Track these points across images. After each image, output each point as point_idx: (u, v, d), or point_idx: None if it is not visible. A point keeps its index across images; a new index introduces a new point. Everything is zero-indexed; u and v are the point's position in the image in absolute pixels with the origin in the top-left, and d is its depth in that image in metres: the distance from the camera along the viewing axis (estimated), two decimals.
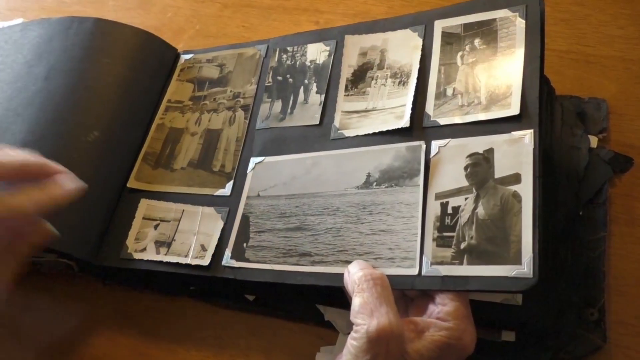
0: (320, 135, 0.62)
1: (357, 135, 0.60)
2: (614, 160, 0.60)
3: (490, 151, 0.52)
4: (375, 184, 0.56)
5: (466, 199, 0.51)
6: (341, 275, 0.52)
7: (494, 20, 0.59)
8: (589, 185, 0.59)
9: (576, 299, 0.53)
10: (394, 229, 0.53)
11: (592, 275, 0.54)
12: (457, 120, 0.55)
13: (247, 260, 0.58)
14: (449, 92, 0.58)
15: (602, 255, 0.55)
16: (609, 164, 0.60)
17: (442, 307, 0.49)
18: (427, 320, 0.49)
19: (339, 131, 0.61)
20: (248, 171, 0.64)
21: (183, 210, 0.65)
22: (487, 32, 0.59)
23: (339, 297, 0.54)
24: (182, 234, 0.63)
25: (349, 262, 0.52)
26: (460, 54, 0.59)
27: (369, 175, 0.57)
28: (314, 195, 0.59)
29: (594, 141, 0.62)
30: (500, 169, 0.51)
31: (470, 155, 0.53)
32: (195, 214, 0.64)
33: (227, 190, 0.64)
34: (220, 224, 0.61)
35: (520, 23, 0.57)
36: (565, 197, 0.58)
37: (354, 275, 0.50)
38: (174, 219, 0.64)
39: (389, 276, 0.50)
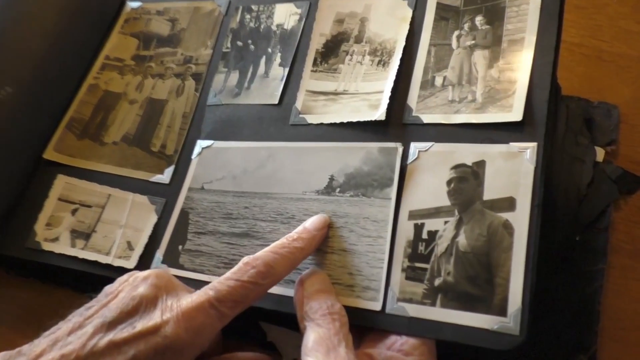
0: (278, 118, 0.50)
1: (322, 124, 0.47)
2: (621, 179, 0.49)
3: (480, 164, 0.41)
4: (338, 190, 0.45)
5: (446, 222, 0.40)
6: (291, 299, 0.42)
7: None
8: (590, 206, 0.48)
9: (565, 341, 0.44)
10: (357, 250, 0.42)
11: (585, 314, 0.45)
12: (444, 119, 0.43)
13: (181, 267, 0.47)
14: (438, 81, 0.46)
15: (598, 291, 0.45)
16: (615, 182, 0.49)
17: (407, 338, 0.40)
18: (387, 355, 0.40)
19: (300, 115, 0.49)
20: (193, 156, 0.52)
21: (109, 195, 0.53)
22: (493, 9, 0.46)
23: (286, 315, 0.45)
24: (106, 226, 0.51)
25: (294, 282, 0.42)
26: (456, 33, 0.47)
27: (332, 179, 0.46)
28: (267, 196, 0.48)
29: (600, 154, 0.50)
30: (491, 190, 0.40)
31: (455, 167, 0.41)
32: (124, 202, 0.52)
33: (165, 176, 0.52)
34: (154, 219, 0.50)
35: (535, 1, 0.44)
36: (562, 217, 0.47)
37: (311, 303, 0.40)
38: (97, 205, 0.52)
39: (346, 308, 0.40)
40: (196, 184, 0.51)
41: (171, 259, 0.48)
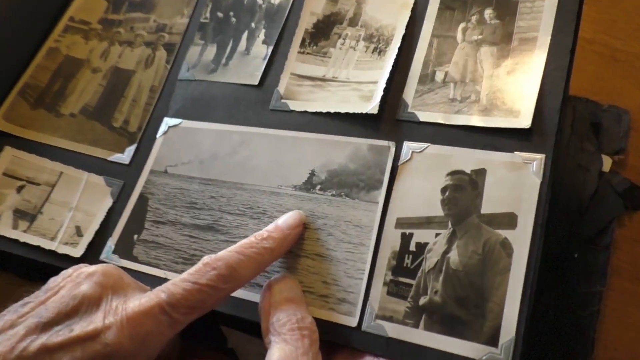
0: (257, 101, 0.44)
1: (306, 112, 0.42)
2: (628, 193, 0.44)
3: (480, 173, 0.36)
4: (319, 187, 0.40)
5: (437, 235, 0.36)
6: (255, 305, 0.37)
7: None
8: (592, 220, 0.44)
9: None
10: (335, 256, 0.37)
11: (579, 341, 0.40)
12: (443, 118, 0.38)
13: (134, 259, 0.41)
14: (439, 76, 0.41)
15: (594, 316, 0.41)
16: (621, 196, 0.44)
17: None
18: None
19: (282, 100, 0.44)
20: (158, 135, 0.46)
21: (61, 173, 0.46)
22: (504, 3, 0.41)
23: (250, 322, 0.40)
24: (54, 207, 0.44)
25: (262, 286, 0.37)
26: (462, 26, 0.42)
27: (312, 174, 0.40)
28: (237, 186, 0.42)
29: (607, 163, 0.46)
30: (490, 202, 0.35)
31: (452, 174, 0.37)
32: (77, 182, 0.46)
33: (126, 156, 0.46)
34: (108, 202, 0.44)
35: None
36: (560, 230, 0.44)
37: (279, 314, 0.35)
38: (46, 183, 0.46)
39: (317, 321, 0.36)
40: (159, 167, 0.45)
41: (124, 249, 0.42)
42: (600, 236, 0.43)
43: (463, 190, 0.36)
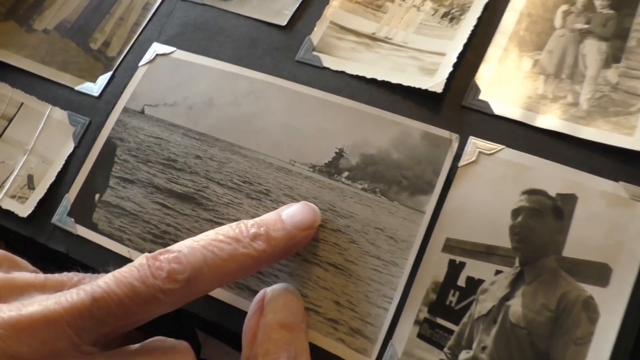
0: (281, 48, 0.33)
1: (343, 73, 0.31)
2: None
3: (568, 200, 0.26)
4: (346, 174, 0.29)
5: (498, 272, 0.26)
6: (241, 314, 0.27)
7: None
8: None
9: None
10: (355, 272, 0.26)
11: None
12: (525, 117, 0.28)
13: (94, 228, 0.30)
14: (526, 63, 0.31)
15: None
16: None
17: None
18: None
19: (314, 52, 0.33)
20: (141, 63, 0.34)
21: (22, 104, 0.34)
22: None
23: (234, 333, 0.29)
24: (6, 147, 0.33)
25: (256, 292, 0.26)
26: (564, 8, 0.32)
27: (340, 154, 0.29)
28: (234, 149, 0.31)
29: None
30: (578, 243, 0.25)
31: (530, 193, 0.27)
32: (38, 117, 0.34)
33: (97, 86, 0.34)
34: (69, 147, 0.32)
35: None
36: None
37: (267, 344, 0.24)
38: (2, 116, 0.34)
39: (319, 353, 0.25)
40: (135, 105, 0.33)
41: (82, 212, 0.30)
42: None
43: (542, 219, 0.26)
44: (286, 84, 0.31)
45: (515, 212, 0.26)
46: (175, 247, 0.23)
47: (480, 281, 0.25)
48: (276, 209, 0.27)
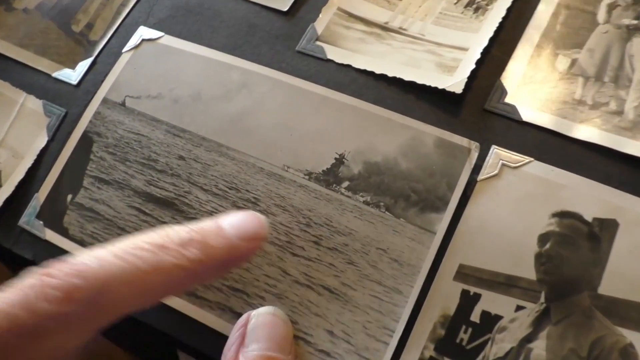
0: (281, 35, 0.29)
1: (350, 67, 0.27)
2: None
3: (608, 226, 0.22)
4: (347, 184, 0.25)
5: (520, 308, 0.21)
6: (222, 339, 0.23)
7: None
8: None
9: None
10: (353, 298, 0.23)
11: None
12: (558, 125, 0.24)
13: (64, 233, 0.26)
14: (562, 63, 0.27)
15: None
16: None
17: None
18: None
19: (317, 42, 0.29)
20: (125, 49, 0.31)
21: None
22: None
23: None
24: None
25: (239, 315, 0.23)
26: (608, 1, 0.28)
27: (340, 161, 0.26)
28: (222, 150, 0.27)
29: None
30: (617, 279, 0.21)
31: (562, 216, 0.22)
32: (11, 106, 0.30)
33: (76, 73, 0.30)
34: (42, 140, 0.29)
35: None
36: None
37: None
38: None
39: None
40: (116, 96, 0.29)
41: (52, 215, 0.27)
42: None
43: (575, 248, 0.22)
44: (284, 77, 0.27)
45: (543, 238, 0.22)
46: (79, 257, 0.18)
47: (498, 317, 0.22)
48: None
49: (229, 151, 0.26)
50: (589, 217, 0.22)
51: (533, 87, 0.25)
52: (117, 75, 0.30)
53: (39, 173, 0.29)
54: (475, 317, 0.22)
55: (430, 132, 0.24)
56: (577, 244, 0.22)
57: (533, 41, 0.27)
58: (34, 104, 0.30)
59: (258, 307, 0.24)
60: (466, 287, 0.22)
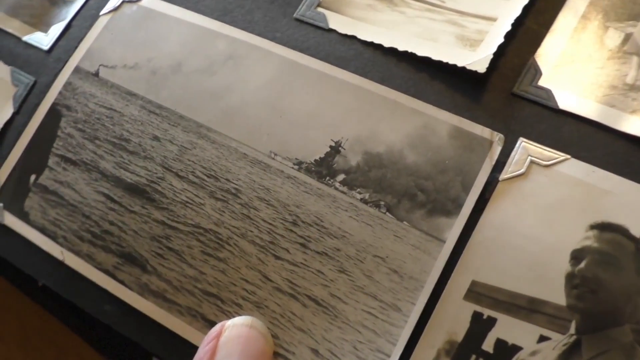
0: (277, 1, 0.26)
1: (354, 38, 0.23)
2: None
3: None
4: (342, 177, 0.21)
5: (544, 339, 0.18)
6: (191, 350, 0.20)
7: None
8: None
9: None
10: (343, 313, 0.19)
11: None
12: (605, 116, 0.19)
13: (24, 218, 0.23)
14: (613, 38, 0.22)
15: None
16: None
17: None
18: None
19: (318, 8, 0.24)
20: (102, 12, 0.27)
21: None
22: None
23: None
24: None
25: (212, 324, 0.21)
26: None
27: (336, 149, 0.22)
28: (201, 131, 0.23)
29: None
30: None
31: (602, 228, 0.18)
32: None
33: (48, 37, 0.27)
34: (7, 112, 0.26)
35: None
36: None
37: None
38: None
39: None
40: (89, 64, 0.26)
41: (13, 196, 0.24)
42: None
43: (617, 269, 0.18)
44: (277, 49, 0.23)
45: (578, 255, 0.18)
46: None
47: (516, 348, 0.18)
48: (245, 214, 0.20)
49: (209, 132, 0.23)
50: (636, 232, 0.18)
51: (574, 68, 0.21)
52: (92, 41, 0.26)
53: (2, 150, 0.26)
54: (488, 346, 0.18)
55: (445, 120, 0.20)
56: (620, 264, 0.18)
57: (578, 10, 0.22)
58: (2, 70, 0.27)
59: (234, 316, 0.21)
60: (479, 309, 0.18)
